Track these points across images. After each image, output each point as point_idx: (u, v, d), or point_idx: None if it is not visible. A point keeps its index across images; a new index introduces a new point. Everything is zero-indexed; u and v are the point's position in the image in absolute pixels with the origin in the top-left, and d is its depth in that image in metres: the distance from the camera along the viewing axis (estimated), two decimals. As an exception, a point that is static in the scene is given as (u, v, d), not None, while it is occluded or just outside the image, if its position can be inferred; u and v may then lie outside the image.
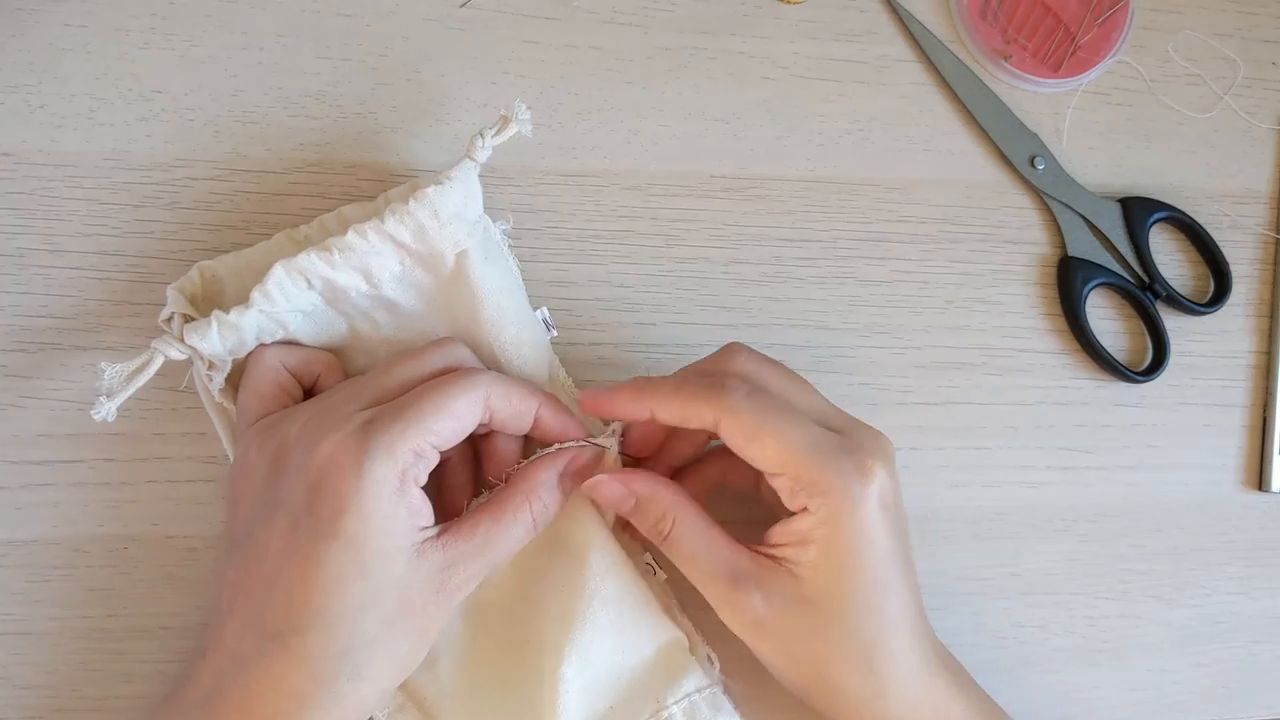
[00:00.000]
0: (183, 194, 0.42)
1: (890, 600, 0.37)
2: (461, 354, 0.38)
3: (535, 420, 0.38)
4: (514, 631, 0.40)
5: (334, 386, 0.38)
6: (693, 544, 0.37)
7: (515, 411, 0.37)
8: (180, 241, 0.42)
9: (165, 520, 0.41)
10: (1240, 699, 0.47)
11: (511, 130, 0.39)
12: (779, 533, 0.37)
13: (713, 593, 0.37)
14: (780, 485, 0.36)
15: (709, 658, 0.42)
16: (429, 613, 0.34)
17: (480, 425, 0.36)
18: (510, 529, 0.36)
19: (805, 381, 0.39)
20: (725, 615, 0.37)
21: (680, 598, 0.42)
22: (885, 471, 0.36)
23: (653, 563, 0.42)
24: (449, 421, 0.34)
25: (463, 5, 0.46)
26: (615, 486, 0.38)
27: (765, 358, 0.39)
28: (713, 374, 0.38)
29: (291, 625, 0.32)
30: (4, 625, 0.40)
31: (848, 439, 0.37)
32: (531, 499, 0.37)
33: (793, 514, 0.36)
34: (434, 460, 0.35)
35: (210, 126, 0.43)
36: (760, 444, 0.36)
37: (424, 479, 0.34)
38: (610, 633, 0.39)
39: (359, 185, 0.43)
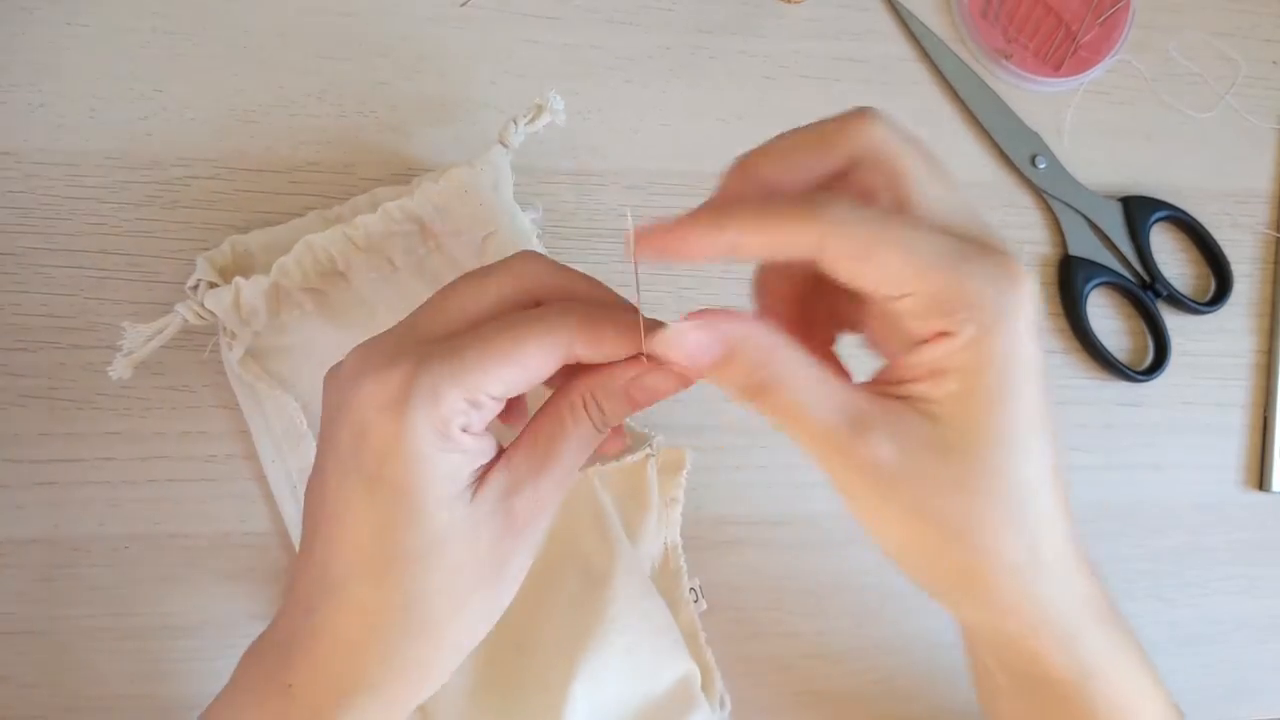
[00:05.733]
0: (183, 194, 0.42)
1: (1046, 444, 0.30)
2: (539, 272, 0.31)
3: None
4: (524, 642, 0.39)
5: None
6: (798, 388, 0.29)
7: (609, 355, 0.30)
8: (180, 241, 0.42)
9: (165, 520, 0.41)
10: (1240, 699, 0.47)
11: (545, 119, 0.39)
12: (906, 366, 0.29)
13: (827, 442, 0.29)
14: (907, 309, 0.28)
15: (722, 700, 0.42)
16: (500, 555, 0.30)
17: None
18: (569, 432, 0.31)
19: (942, 167, 0.30)
20: (840, 471, 0.30)
21: (711, 630, 0.43)
22: (1034, 282, 0.29)
23: (696, 589, 0.43)
24: (513, 371, 0.29)
25: (463, 5, 0.46)
26: (698, 334, 0.29)
27: (901, 133, 0.30)
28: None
29: (346, 574, 0.30)
30: (6, 624, 0.40)
31: (987, 245, 0.29)
32: (588, 396, 0.31)
33: (921, 345, 0.29)
34: (495, 409, 0.30)
35: (210, 126, 0.43)
36: (878, 260, 0.28)
37: (482, 425, 0.30)
38: (624, 658, 0.39)
39: (359, 185, 0.43)
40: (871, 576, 0.45)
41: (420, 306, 0.32)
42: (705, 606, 0.43)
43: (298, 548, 0.33)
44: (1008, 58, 0.49)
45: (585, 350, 0.30)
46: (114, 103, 0.42)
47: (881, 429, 0.29)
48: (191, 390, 0.41)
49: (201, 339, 0.40)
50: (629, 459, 0.40)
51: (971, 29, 0.49)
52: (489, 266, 0.31)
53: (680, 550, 0.43)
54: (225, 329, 0.38)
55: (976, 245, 0.29)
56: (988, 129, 0.49)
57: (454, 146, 0.44)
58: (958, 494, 0.29)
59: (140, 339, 0.37)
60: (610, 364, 0.31)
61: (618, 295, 0.32)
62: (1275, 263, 0.51)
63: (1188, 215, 0.49)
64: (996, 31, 0.49)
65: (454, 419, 0.29)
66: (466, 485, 0.30)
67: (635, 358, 0.30)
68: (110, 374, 0.36)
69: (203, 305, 0.37)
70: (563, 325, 0.30)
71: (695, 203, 0.46)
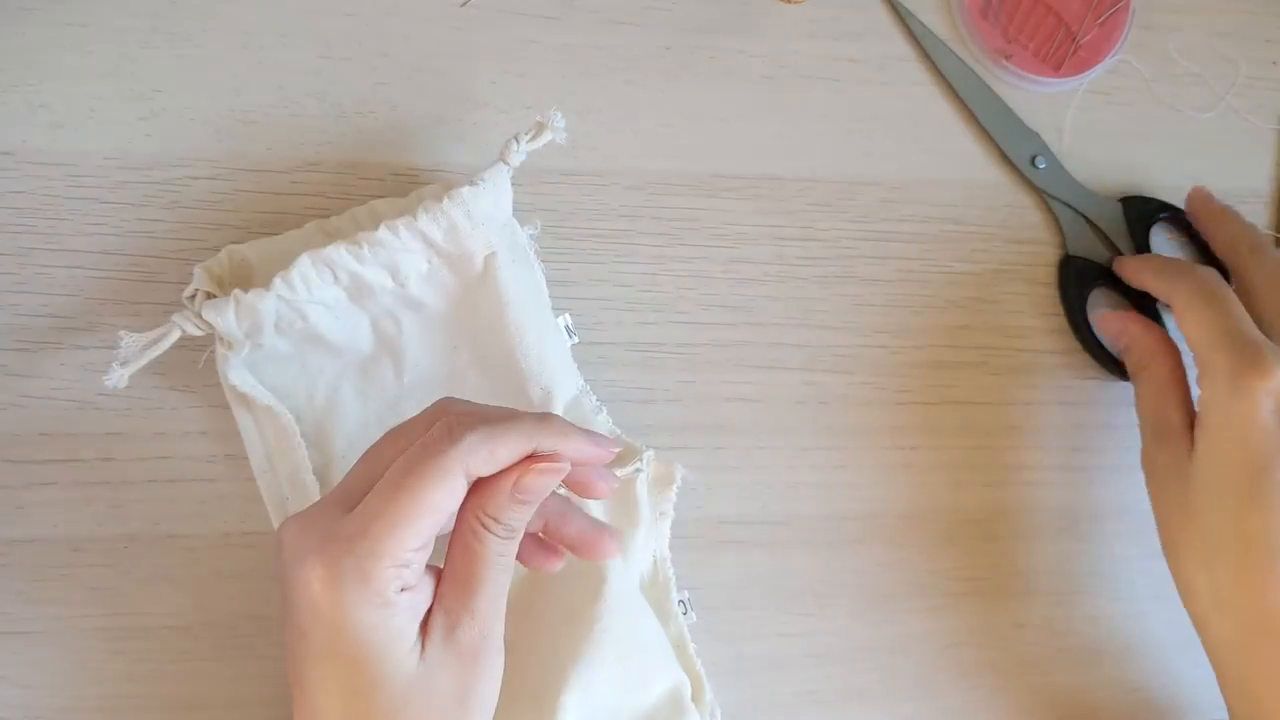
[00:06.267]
0: (183, 194, 0.42)
1: (1252, 515, 0.38)
2: (446, 419, 0.32)
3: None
4: (515, 653, 0.39)
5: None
6: (1149, 389, 0.44)
7: (505, 463, 0.32)
8: (180, 241, 0.42)
9: (165, 520, 0.41)
10: (1240, 699, 0.47)
11: (546, 137, 0.39)
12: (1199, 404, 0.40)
13: (1141, 431, 0.44)
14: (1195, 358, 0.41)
15: (712, 711, 0.42)
16: (463, 687, 0.32)
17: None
18: (478, 554, 0.32)
19: None
20: (1142, 450, 0.44)
21: (711, 630, 0.43)
22: None
23: (685, 602, 0.43)
24: (425, 520, 0.30)
25: (463, 5, 0.46)
26: (1116, 322, 0.46)
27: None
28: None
29: None
30: (4, 625, 0.40)
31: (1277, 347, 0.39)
32: (481, 514, 0.32)
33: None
34: (424, 556, 0.32)
35: (210, 126, 0.43)
36: (1184, 320, 0.41)
37: (418, 574, 0.31)
38: (615, 669, 0.39)
39: (359, 185, 0.43)
40: (871, 576, 0.45)
41: (349, 471, 0.33)
42: (694, 619, 0.43)
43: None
44: (1008, 58, 0.49)
45: (482, 467, 0.31)
46: (114, 103, 0.42)
47: (1164, 442, 0.42)
48: (191, 390, 0.41)
49: (203, 340, 0.40)
50: (619, 473, 0.40)
51: (971, 29, 0.49)
52: (407, 422, 0.33)
53: (669, 563, 0.43)
54: (222, 339, 0.38)
55: (1264, 342, 0.39)
56: (988, 129, 0.49)
57: (454, 146, 0.44)
58: (1173, 508, 0.41)
59: (136, 347, 0.37)
60: (495, 476, 0.32)
61: (526, 413, 0.33)
62: (1275, 263, 0.51)
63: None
64: (996, 32, 0.49)
65: (388, 587, 0.30)
66: (415, 640, 0.31)
67: (521, 460, 0.32)
68: (106, 382, 0.36)
69: (200, 317, 0.37)
70: (451, 458, 0.30)
71: (695, 203, 0.46)
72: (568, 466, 0.33)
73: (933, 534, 0.46)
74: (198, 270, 0.39)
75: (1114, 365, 0.47)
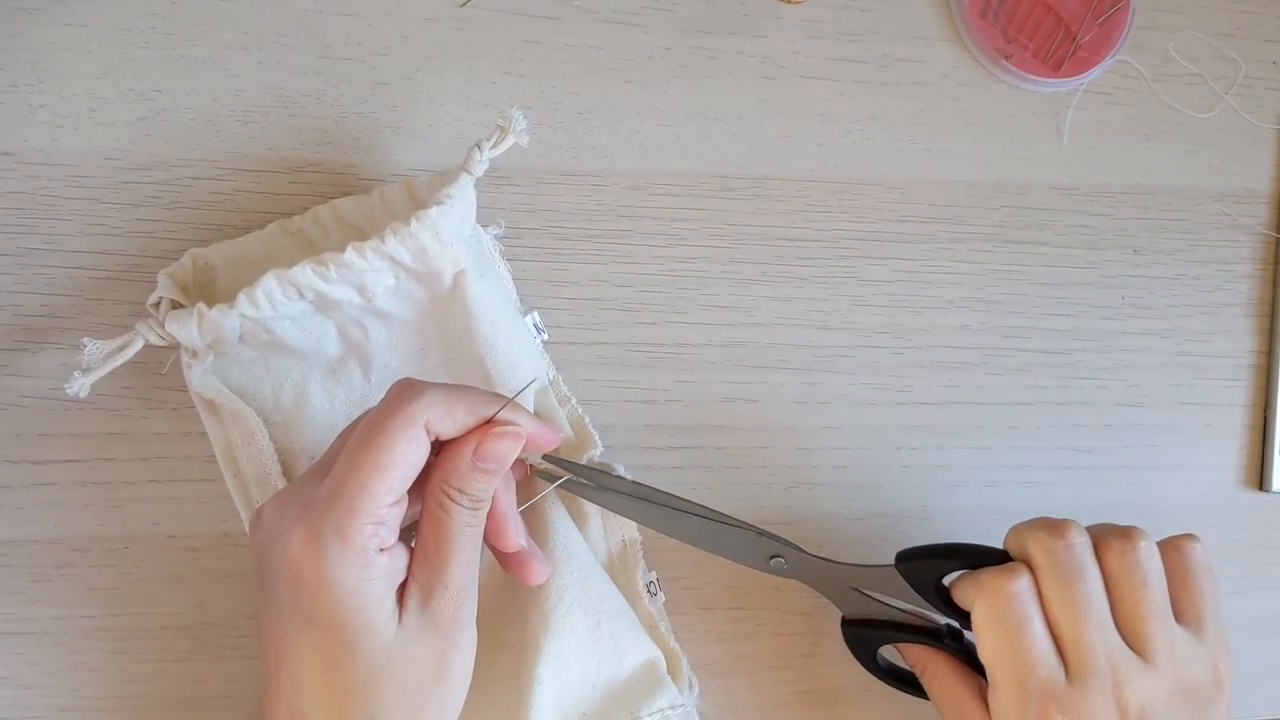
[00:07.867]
0: (183, 194, 0.42)
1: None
2: (404, 380, 0.34)
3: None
4: (486, 629, 0.39)
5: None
6: (935, 686, 0.40)
7: (463, 424, 0.33)
8: (181, 241, 0.42)
9: (165, 520, 0.41)
10: (1240, 698, 0.47)
11: (509, 141, 0.38)
12: None
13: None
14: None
15: (690, 682, 0.42)
16: (439, 656, 0.33)
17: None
18: (446, 526, 0.33)
19: (1062, 572, 0.36)
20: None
21: (674, 622, 0.43)
22: (1004, 615, 0.36)
23: (655, 583, 0.43)
24: (394, 472, 0.31)
25: (463, 5, 0.46)
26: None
27: (1119, 553, 0.37)
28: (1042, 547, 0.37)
29: (307, 708, 0.32)
30: (5, 625, 0.40)
31: (1072, 687, 0.35)
32: (445, 487, 0.33)
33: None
34: (399, 513, 0.33)
35: (210, 126, 0.43)
36: (979, 640, 0.37)
37: (394, 533, 0.33)
38: (587, 640, 0.39)
39: (359, 185, 0.43)
40: (871, 576, 0.45)
41: (330, 448, 0.35)
42: (664, 599, 0.43)
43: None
44: (1008, 58, 0.49)
45: (441, 424, 0.33)
46: (114, 103, 0.42)
47: None
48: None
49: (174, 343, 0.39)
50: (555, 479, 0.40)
51: (971, 29, 0.49)
52: (374, 407, 0.34)
53: (639, 545, 0.43)
54: (186, 348, 0.38)
55: (1055, 693, 0.35)
56: (717, 551, 0.41)
57: (455, 146, 0.44)
58: None
59: (100, 355, 0.36)
60: (454, 444, 0.33)
61: (485, 393, 0.35)
62: (1275, 263, 0.51)
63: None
64: (996, 32, 0.49)
65: (369, 545, 0.31)
66: (393, 609, 0.32)
67: (478, 428, 0.34)
68: (68, 391, 0.36)
69: (164, 328, 0.37)
70: (413, 410, 0.32)
71: (695, 203, 0.46)
72: (524, 433, 0.34)
73: (932, 534, 0.46)
74: (162, 277, 0.38)
75: (917, 690, 0.42)
